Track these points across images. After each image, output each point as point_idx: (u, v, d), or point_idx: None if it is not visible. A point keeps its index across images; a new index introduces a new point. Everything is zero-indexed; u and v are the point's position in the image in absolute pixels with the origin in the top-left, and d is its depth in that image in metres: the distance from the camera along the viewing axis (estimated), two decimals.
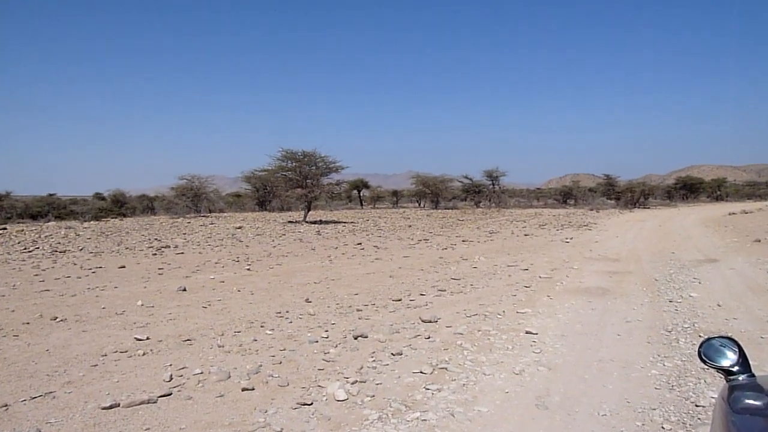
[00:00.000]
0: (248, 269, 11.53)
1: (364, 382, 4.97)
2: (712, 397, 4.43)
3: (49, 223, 26.04)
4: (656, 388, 4.77)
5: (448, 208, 44.85)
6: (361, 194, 55.41)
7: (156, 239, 18.76)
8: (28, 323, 7.26)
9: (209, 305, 8.19)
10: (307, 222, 26.12)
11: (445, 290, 8.77)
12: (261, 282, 9.87)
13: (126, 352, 5.97)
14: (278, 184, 27.80)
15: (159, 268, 12.14)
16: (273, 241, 18.07)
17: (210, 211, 35.75)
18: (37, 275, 11.32)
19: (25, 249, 15.96)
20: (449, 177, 47.62)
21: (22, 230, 21.98)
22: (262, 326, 6.95)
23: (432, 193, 46.10)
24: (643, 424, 4.08)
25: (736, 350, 2.12)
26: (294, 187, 26.47)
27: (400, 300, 8.21)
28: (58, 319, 7.43)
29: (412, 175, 49.26)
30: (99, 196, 50.64)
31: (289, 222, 26.41)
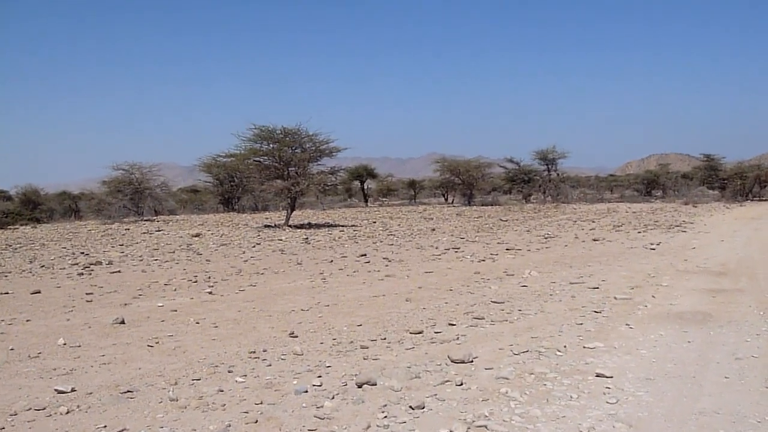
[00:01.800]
0: (210, 293, 11.49)
1: None
2: None
3: None
4: None
5: (486, 204, 44.99)
6: (366, 186, 55.67)
7: (83, 253, 18.64)
8: None
9: (157, 343, 8.19)
10: (290, 226, 26.13)
11: (482, 318, 8.79)
12: (228, 310, 9.88)
13: (43, 409, 5.94)
14: (250, 175, 27.78)
15: (87, 293, 12.09)
16: (244, 253, 18.10)
17: (156, 213, 35.84)
18: None
19: None
20: (486, 161, 47.73)
21: None
22: (230, 371, 6.94)
23: (463, 184, 46.23)
24: None
25: None
26: (272, 177, 26.43)
27: (420, 332, 8.23)
28: None
29: (436, 159, 49.11)
30: (3, 195, 50.95)
31: (267, 226, 26.33)
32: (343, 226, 26.40)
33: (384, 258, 15.71)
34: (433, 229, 24.54)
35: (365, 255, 16.58)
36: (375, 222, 27.72)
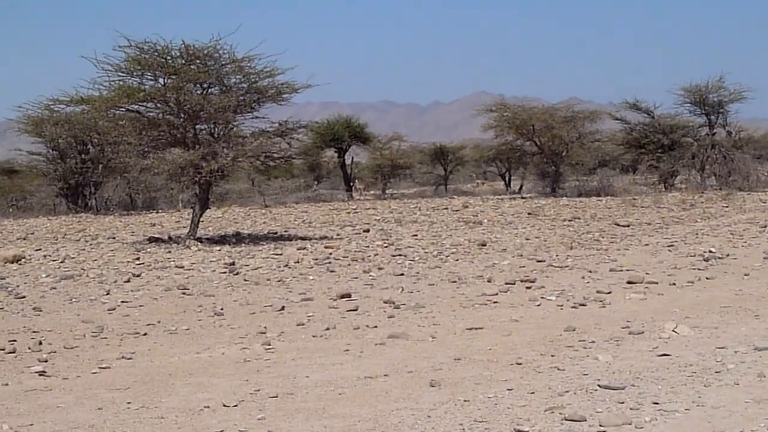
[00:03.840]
0: (42, 373, 7.78)
1: None
2: None
3: None
4: None
5: (587, 194, 28.11)
6: (350, 161, 37.44)
7: None
8: None
9: None
10: (200, 240, 16.51)
11: (582, 420, 5.64)
12: (76, 410, 6.63)
13: None
14: (119, 139, 16.77)
15: None
16: (108, 294, 12.15)
17: None
18: None
19: None
20: (584, 107, 32.45)
21: None
22: None
23: (542, 153, 29.63)
24: None
25: None
26: (163, 144, 16.15)
27: None
28: None
29: (486, 104, 31.32)
30: None
31: (154, 240, 17.48)
32: (305, 238, 17.25)
33: (386, 302, 10.42)
34: (484, 244, 15.75)
35: (349, 296, 10.92)
36: (368, 230, 18.64)
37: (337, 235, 17.59)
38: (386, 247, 15.25)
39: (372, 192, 38.17)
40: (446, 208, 24.36)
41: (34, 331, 9.56)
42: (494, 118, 30.85)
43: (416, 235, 17.04)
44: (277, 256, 14.00)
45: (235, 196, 30.88)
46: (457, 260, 13.39)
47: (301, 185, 36.63)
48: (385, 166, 37.90)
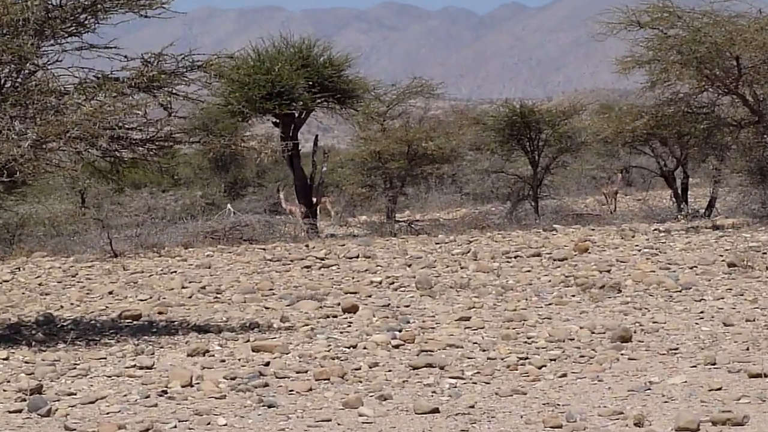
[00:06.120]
0: None
1: None
2: None
3: None
4: None
5: None
6: (308, 147, 22.28)
7: None
8: None
9: None
10: None
11: None
12: None
13: None
14: None
15: None
16: None
17: None
18: None
19: None
20: None
21: None
22: None
23: (762, 122, 16.73)
24: None
25: None
26: None
27: None
28: None
29: (625, 9, 16.69)
30: None
31: None
32: (205, 329, 9.20)
33: None
34: (626, 339, 7.92)
35: None
36: (354, 308, 9.96)
37: (283, 320, 9.48)
38: (397, 346, 7.82)
39: (362, 218, 22.81)
40: (537, 255, 14.04)
41: None
42: (648, 41, 16.99)
43: (466, 319, 9.12)
44: (141, 372, 6.90)
45: (43, 232, 18.36)
46: (563, 376, 6.57)
47: (198, 205, 21.47)
48: (393, 157, 20.08)
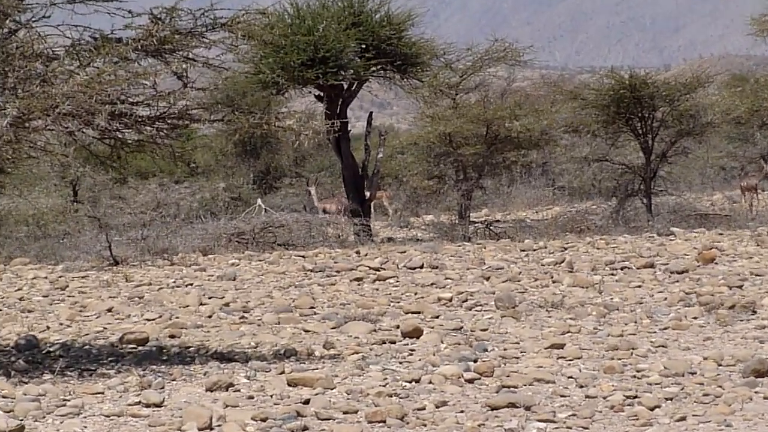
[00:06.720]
0: None
1: None
2: None
3: None
4: None
5: None
6: (362, 129, 21.79)
7: None
8: None
9: None
10: None
11: None
12: None
13: None
14: None
15: None
16: None
17: None
18: None
19: None
20: None
21: None
22: None
23: None
24: None
25: None
26: None
27: None
28: None
29: None
30: None
31: None
32: (227, 357, 8.25)
33: None
34: (762, 374, 7.06)
35: None
36: (417, 333, 9.14)
37: (326, 346, 8.72)
38: (471, 380, 7.08)
39: (427, 218, 22.09)
40: (650, 266, 13.03)
41: None
42: None
43: (560, 347, 8.35)
44: (147, 411, 6.23)
45: (25, 232, 17.27)
46: (681, 420, 6.03)
47: (220, 200, 21.29)
48: (467, 140, 18.97)
